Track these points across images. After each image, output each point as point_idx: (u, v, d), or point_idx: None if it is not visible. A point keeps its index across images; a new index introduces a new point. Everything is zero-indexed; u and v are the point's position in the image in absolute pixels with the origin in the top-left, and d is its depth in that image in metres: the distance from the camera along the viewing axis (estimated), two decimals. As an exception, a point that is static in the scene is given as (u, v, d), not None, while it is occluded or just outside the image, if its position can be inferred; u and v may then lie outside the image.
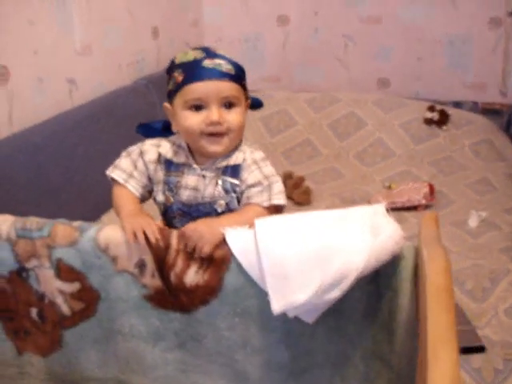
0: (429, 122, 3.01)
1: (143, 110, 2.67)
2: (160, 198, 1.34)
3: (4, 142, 2.02)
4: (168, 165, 1.32)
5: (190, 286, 1.19)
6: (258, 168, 1.30)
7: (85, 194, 2.26)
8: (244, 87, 1.30)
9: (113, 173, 1.32)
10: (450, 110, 3.05)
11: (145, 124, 1.42)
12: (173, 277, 1.20)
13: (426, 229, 1.03)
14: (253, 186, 1.28)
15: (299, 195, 2.59)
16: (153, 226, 1.19)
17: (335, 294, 1.07)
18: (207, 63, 1.24)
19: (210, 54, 1.26)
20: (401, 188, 2.55)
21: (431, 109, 3.03)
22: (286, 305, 1.09)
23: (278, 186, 1.30)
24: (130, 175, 1.32)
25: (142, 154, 1.33)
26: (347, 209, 1.16)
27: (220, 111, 1.25)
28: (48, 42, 2.28)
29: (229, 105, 1.26)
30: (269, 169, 1.31)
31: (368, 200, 2.52)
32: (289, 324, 1.16)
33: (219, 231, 1.16)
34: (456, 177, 2.78)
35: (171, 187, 1.32)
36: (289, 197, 2.62)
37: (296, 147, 3.10)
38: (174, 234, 1.19)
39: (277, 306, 1.09)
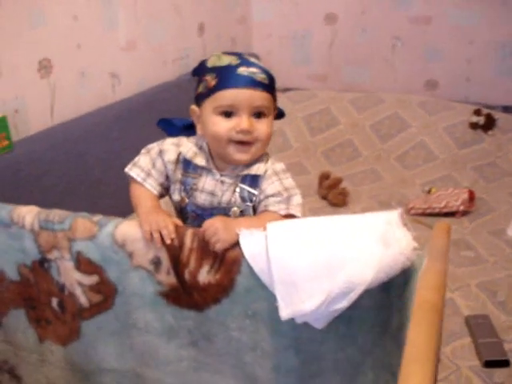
0: (474, 126, 2.92)
1: (185, 106, 2.67)
2: (176, 197, 1.34)
3: (45, 134, 2.08)
4: (186, 165, 1.32)
5: (203, 284, 1.20)
6: (278, 179, 1.28)
7: (123, 186, 2.29)
8: (274, 97, 1.29)
9: (131, 171, 1.33)
10: (497, 115, 2.94)
11: (166, 119, 1.42)
12: (187, 275, 1.21)
13: (435, 240, 1.00)
14: (272, 196, 1.27)
15: (335, 196, 2.56)
16: (169, 225, 1.19)
17: (342, 304, 1.06)
18: (242, 70, 1.22)
19: (244, 60, 1.25)
20: (439, 193, 2.50)
21: (477, 113, 2.94)
22: (293, 312, 1.09)
23: (297, 199, 1.28)
24: (148, 174, 1.32)
25: (161, 153, 1.33)
26: (361, 215, 1.14)
27: (250, 120, 1.24)
28: (92, 37, 2.32)
29: (258, 114, 1.25)
30: (289, 181, 1.29)
31: (406, 204, 2.48)
32: (299, 329, 1.16)
33: (235, 232, 1.16)
34: (499, 184, 2.69)
35: (187, 188, 1.32)
36: (324, 197, 2.61)
37: (336, 147, 3.06)
38: (189, 232, 1.20)
39: (284, 312, 1.09)
